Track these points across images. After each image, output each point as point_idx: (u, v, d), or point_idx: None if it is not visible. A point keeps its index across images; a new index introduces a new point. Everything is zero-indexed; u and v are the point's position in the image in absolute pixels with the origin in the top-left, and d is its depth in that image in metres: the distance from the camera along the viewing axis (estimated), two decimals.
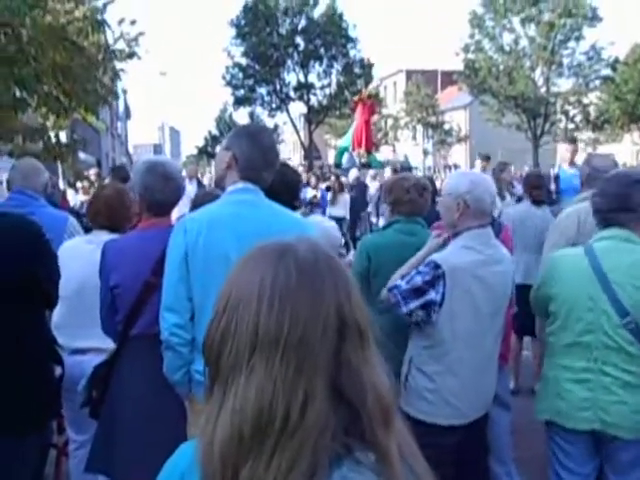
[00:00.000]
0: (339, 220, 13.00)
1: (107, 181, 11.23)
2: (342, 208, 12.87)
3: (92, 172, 9.89)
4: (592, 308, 2.58)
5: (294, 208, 3.04)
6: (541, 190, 5.47)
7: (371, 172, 15.72)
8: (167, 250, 2.35)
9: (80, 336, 3.04)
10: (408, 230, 3.38)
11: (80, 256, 3.11)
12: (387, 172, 14.55)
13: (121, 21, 14.01)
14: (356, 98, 19.26)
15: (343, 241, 4.18)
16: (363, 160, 17.38)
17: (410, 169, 17.73)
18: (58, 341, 2.87)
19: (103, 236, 3.11)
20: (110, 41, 12.37)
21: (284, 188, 2.96)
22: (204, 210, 2.40)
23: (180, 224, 2.36)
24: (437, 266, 2.72)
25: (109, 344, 2.76)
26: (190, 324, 2.31)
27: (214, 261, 2.25)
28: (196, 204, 3.11)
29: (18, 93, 6.03)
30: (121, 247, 2.70)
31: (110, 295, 2.65)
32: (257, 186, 2.41)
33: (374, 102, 20.40)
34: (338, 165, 17.69)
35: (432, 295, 2.71)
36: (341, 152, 18.42)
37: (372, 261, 3.34)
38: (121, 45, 13.75)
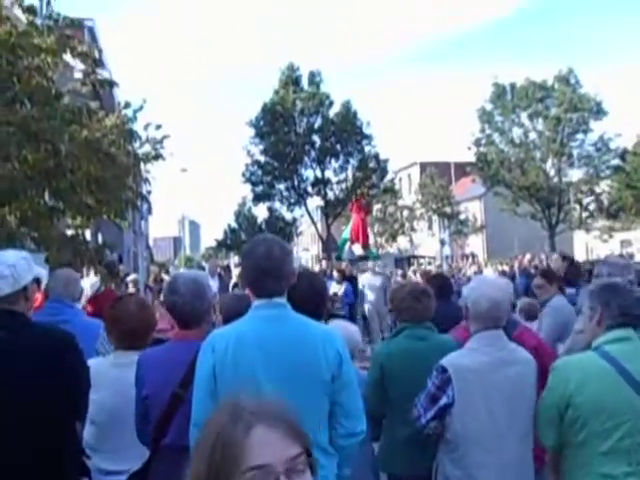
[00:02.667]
0: None
1: (131, 277, 11.54)
2: None
3: (130, 279, 10.21)
4: (628, 412, 2.56)
5: (320, 316, 3.10)
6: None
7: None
8: (196, 367, 2.43)
9: (115, 460, 3.03)
10: (417, 335, 3.45)
11: (109, 382, 3.04)
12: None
13: (147, 126, 14.79)
14: (353, 199, 22.11)
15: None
16: (360, 253, 18.75)
17: (402, 260, 18.71)
18: (89, 454, 2.94)
19: (126, 357, 3.08)
20: (136, 144, 13.02)
21: (310, 298, 3.04)
22: (231, 327, 2.50)
23: (208, 341, 2.44)
24: (444, 370, 2.84)
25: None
26: None
27: (242, 379, 2.33)
28: (227, 314, 3.22)
29: (52, 202, 6.41)
30: (152, 359, 2.81)
31: (143, 406, 2.75)
32: (274, 296, 2.47)
33: (368, 203, 24.98)
34: (339, 257, 19.26)
35: (444, 400, 2.81)
36: (341, 246, 20.34)
37: (385, 369, 3.40)
38: (147, 148, 14.46)
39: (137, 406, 2.80)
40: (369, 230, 44.91)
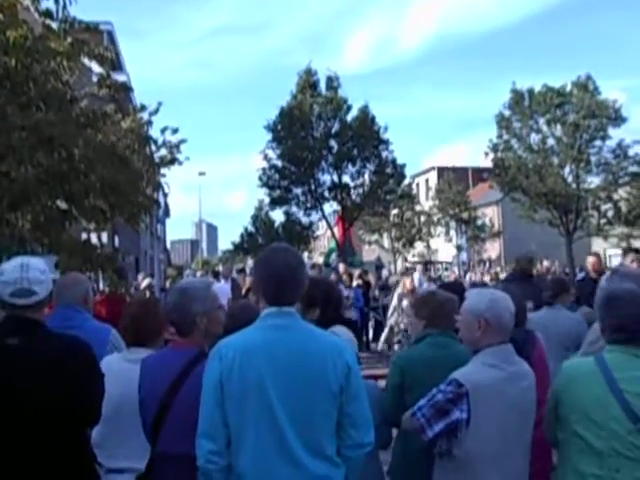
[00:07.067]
0: None
1: (145, 282, 11.58)
2: None
3: (144, 285, 10.26)
4: (605, 416, 2.59)
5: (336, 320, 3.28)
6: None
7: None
8: (203, 376, 2.42)
9: (117, 456, 3.06)
10: (441, 343, 3.42)
11: (117, 375, 3.11)
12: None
13: (164, 129, 14.85)
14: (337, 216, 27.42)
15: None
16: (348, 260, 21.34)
17: (382, 267, 20.39)
18: (98, 460, 2.94)
19: (138, 353, 3.18)
20: (152, 147, 13.05)
21: (328, 305, 3.21)
22: (239, 335, 2.47)
23: (216, 350, 2.43)
24: (460, 384, 2.77)
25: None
26: (226, 450, 2.35)
27: (249, 387, 2.32)
28: (233, 322, 3.19)
29: (64, 205, 6.42)
30: (148, 365, 2.81)
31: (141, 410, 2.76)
32: (290, 307, 2.47)
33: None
34: (327, 264, 21.07)
35: (457, 414, 2.74)
36: (329, 254, 24.27)
37: (406, 376, 3.37)
38: (163, 152, 14.52)
39: (139, 411, 2.79)
40: (385, 235, 45.56)
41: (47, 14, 6.34)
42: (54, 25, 6.41)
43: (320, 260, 32.27)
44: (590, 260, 8.31)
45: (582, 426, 2.61)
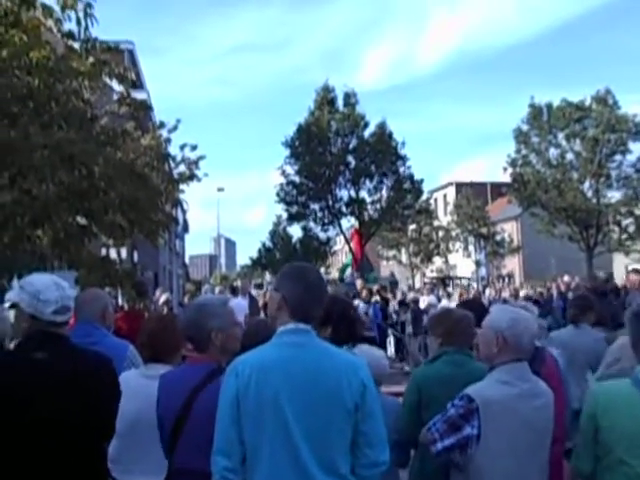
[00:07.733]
0: None
1: (163, 298, 11.63)
2: None
3: (162, 301, 10.33)
4: None
5: (351, 339, 3.32)
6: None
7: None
8: (220, 392, 2.43)
9: (133, 471, 3.08)
10: (457, 361, 3.43)
11: (134, 391, 3.12)
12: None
13: (183, 146, 15.03)
14: (352, 230, 27.63)
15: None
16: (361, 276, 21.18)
17: (397, 284, 20.41)
18: (112, 475, 2.96)
19: (155, 369, 3.19)
20: (171, 164, 13.18)
21: (341, 323, 3.24)
22: (255, 352, 2.48)
23: (232, 367, 2.44)
24: (470, 400, 2.76)
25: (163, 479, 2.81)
26: (241, 467, 2.35)
27: (265, 404, 2.33)
28: (250, 338, 3.21)
29: (84, 222, 6.51)
30: (166, 381, 2.84)
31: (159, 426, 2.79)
32: (307, 324, 2.48)
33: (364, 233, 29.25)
34: (342, 280, 21.17)
35: (468, 430, 2.74)
36: (343, 269, 24.50)
37: (423, 394, 3.40)
38: (182, 168, 14.67)
39: (158, 427, 2.81)
40: (403, 250, 45.65)
41: (69, 35, 6.49)
42: (76, 46, 6.56)
43: (336, 275, 32.24)
44: (632, 278, 8.13)
45: (630, 454, 2.53)
